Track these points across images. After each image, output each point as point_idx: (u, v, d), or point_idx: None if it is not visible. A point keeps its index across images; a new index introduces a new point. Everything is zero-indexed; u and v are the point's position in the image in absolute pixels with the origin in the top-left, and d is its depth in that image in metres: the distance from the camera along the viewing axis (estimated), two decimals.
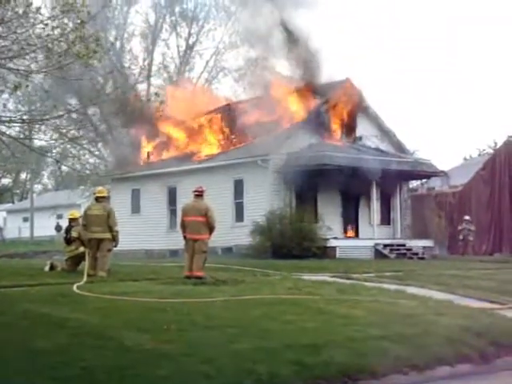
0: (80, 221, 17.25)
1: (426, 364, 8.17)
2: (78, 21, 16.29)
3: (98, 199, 16.97)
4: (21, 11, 15.63)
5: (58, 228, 60.65)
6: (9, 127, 18.28)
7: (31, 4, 15.77)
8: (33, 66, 16.32)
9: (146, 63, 41.68)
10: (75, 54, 15.87)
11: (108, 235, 16.47)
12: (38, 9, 16.14)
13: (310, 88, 28.93)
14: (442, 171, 33.05)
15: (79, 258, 17.04)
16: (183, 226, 15.97)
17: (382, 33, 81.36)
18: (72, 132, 17.66)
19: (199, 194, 16.10)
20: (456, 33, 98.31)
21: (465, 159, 57.04)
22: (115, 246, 16.94)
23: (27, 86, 17.45)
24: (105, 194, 17.28)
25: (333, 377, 7.36)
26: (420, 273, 17.81)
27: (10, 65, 16.21)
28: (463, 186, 33.97)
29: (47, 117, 17.47)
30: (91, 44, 15.99)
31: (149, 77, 39.60)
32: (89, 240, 16.58)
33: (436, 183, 37.75)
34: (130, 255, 29.79)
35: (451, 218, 32.69)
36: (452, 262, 24.71)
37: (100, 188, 17.80)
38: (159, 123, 31.35)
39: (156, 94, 18.73)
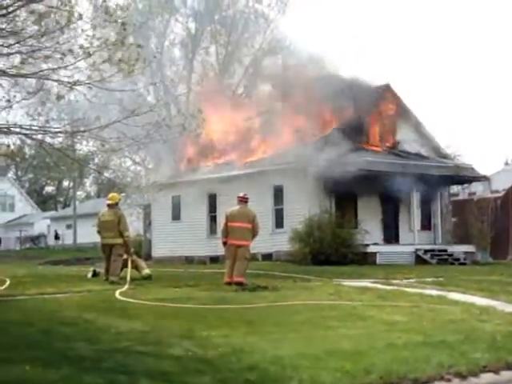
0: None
1: (470, 371, 8.07)
2: (121, 29, 16.40)
3: (109, 205, 17.21)
4: (63, 22, 15.80)
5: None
6: (53, 138, 18.59)
7: (75, 15, 15.90)
8: (76, 76, 16.57)
9: (185, 72, 41.92)
10: (117, 64, 16.04)
11: (119, 240, 16.78)
12: (81, 16, 16.26)
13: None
14: (484, 176, 32.65)
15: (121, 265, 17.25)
16: (226, 232, 15.94)
17: (422, 35, 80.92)
18: (113, 142, 17.88)
19: (245, 201, 16.10)
20: (500, 35, 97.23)
21: (506, 163, 56.23)
22: (127, 251, 17.12)
23: (69, 100, 17.68)
24: (116, 201, 17.39)
25: None
26: (462, 278, 17.62)
27: (54, 76, 16.45)
28: (505, 190, 33.53)
29: (90, 127, 17.72)
30: (132, 53, 16.13)
31: (189, 86, 39.77)
32: (102, 245, 17.15)
33: (477, 188, 37.33)
34: (171, 262, 30.09)
35: (493, 224, 32.25)
36: (494, 267, 24.39)
37: (112, 194, 17.93)
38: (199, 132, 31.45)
39: (199, 110, 18.73)
